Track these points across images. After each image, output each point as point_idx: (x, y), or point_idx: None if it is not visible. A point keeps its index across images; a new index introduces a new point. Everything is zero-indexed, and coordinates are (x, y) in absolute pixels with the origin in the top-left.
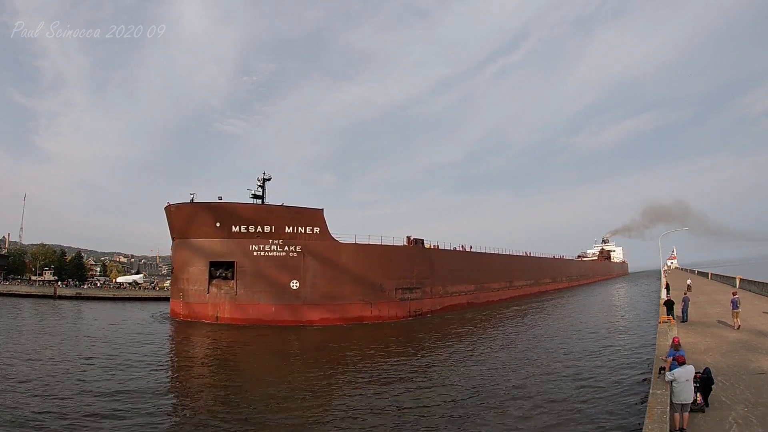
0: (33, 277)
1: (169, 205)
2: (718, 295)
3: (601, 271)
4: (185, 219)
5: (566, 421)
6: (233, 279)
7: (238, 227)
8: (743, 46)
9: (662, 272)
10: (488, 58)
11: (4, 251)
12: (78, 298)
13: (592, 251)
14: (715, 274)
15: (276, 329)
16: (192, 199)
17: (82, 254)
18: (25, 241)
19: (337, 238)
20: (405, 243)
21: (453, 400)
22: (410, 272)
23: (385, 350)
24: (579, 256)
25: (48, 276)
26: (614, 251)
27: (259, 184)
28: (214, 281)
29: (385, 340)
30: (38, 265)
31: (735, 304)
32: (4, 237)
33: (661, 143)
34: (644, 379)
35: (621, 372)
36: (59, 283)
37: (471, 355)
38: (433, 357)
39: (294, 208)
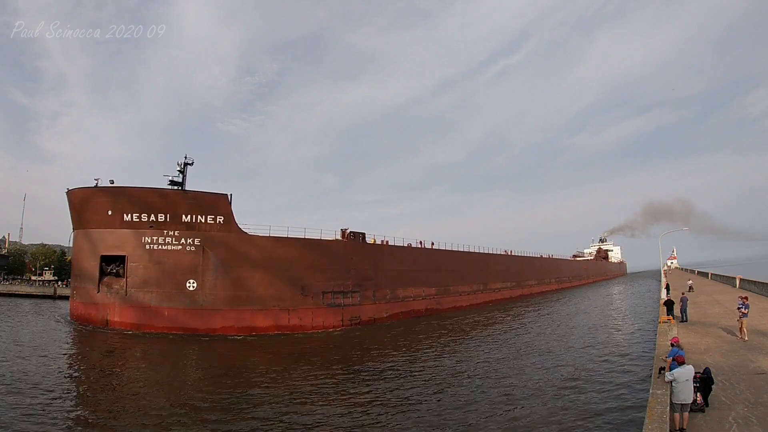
0: (33, 277)
1: (69, 190)
2: (718, 295)
3: (597, 271)
4: (81, 206)
5: (565, 422)
6: (124, 276)
7: (129, 216)
8: (744, 47)
9: (662, 272)
10: (490, 59)
11: (4, 251)
12: None
13: (589, 250)
14: (715, 274)
15: (168, 339)
16: (96, 185)
17: None
18: (25, 241)
19: (246, 230)
20: (339, 236)
21: None
22: (345, 272)
23: (290, 372)
24: (574, 256)
25: (48, 276)
26: (612, 251)
27: (179, 169)
28: (105, 278)
29: (296, 358)
30: (38, 265)
31: (745, 311)
32: (4, 237)
33: (662, 143)
34: (644, 378)
35: (620, 372)
36: (59, 283)
37: (413, 373)
38: (358, 378)
39: (193, 192)
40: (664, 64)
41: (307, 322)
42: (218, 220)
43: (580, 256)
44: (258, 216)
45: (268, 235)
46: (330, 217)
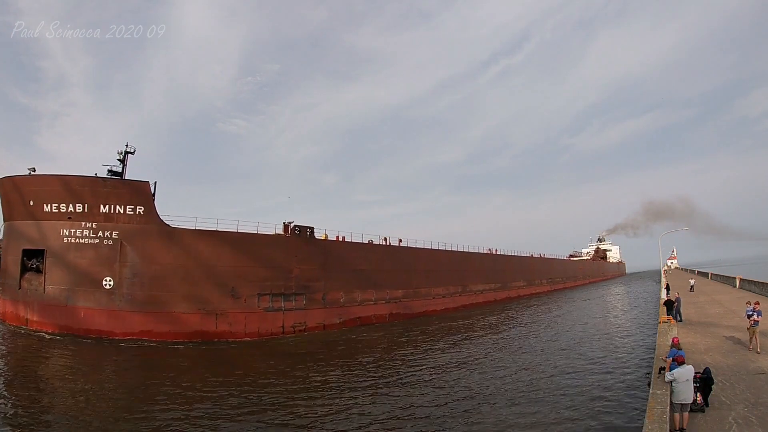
0: None
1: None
2: (718, 295)
3: (594, 272)
4: (8, 196)
5: (564, 422)
6: (43, 273)
7: (49, 206)
8: (744, 47)
9: (662, 272)
10: (490, 59)
11: None
12: None
13: (587, 250)
14: (715, 274)
15: (82, 343)
16: (30, 173)
17: None
18: None
19: (170, 222)
20: (281, 231)
21: None
22: (286, 272)
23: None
24: (570, 256)
25: None
26: (610, 251)
27: (119, 157)
28: (26, 275)
29: (202, 377)
30: None
31: (758, 317)
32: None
33: (663, 144)
34: (644, 378)
35: (620, 372)
36: None
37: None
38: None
39: (111, 180)
40: (665, 65)
41: (238, 328)
42: (138, 210)
43: (577, 256)
44: (258, 216)
45: (193, 228)
46: (330, 217)
